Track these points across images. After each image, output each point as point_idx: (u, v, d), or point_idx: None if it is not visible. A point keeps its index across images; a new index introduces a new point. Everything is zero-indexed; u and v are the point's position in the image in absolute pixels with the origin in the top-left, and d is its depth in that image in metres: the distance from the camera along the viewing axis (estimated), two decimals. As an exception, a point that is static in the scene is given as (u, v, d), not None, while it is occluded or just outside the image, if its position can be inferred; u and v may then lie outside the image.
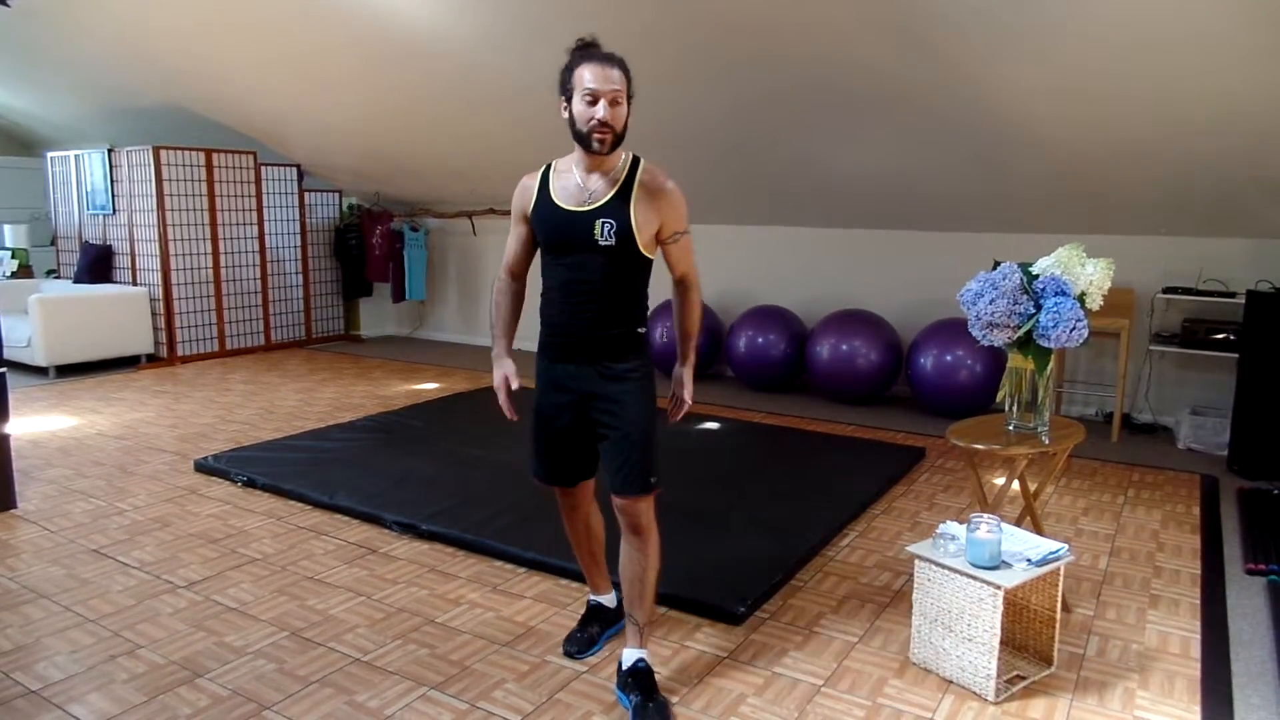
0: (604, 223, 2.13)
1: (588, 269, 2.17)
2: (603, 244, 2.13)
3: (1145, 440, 4.83)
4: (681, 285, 2.35)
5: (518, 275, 2.39)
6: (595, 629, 2.55)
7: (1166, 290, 4.81)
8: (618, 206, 2.13)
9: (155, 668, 2.43)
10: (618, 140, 2.10)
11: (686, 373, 2.41)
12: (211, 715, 2.21)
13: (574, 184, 2.17)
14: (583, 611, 2.64)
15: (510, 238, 2.34)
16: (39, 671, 2.41)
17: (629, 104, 2.11)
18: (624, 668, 2.27)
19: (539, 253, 2.29)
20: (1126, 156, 4.36)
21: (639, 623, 2.28)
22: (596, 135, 2.07)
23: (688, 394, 2.41)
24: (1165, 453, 4.60)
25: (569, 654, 2.49)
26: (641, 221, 2.14)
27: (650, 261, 2.23)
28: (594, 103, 2.05)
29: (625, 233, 2.13)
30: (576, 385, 2.23)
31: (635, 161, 2.20)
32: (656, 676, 2.28)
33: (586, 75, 2.06)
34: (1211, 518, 3.64)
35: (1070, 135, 4.31)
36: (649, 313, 2.32)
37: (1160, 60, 3.66)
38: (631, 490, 2.21)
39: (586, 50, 2.12)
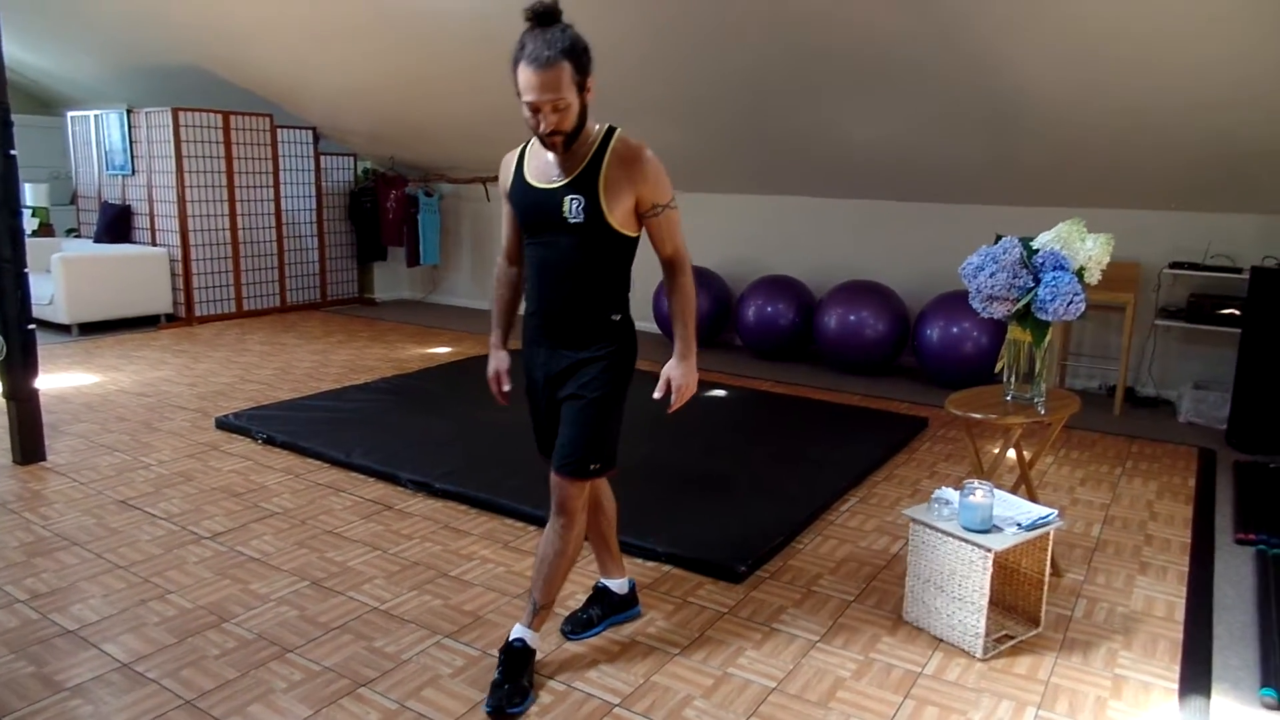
0: (572, 199, 2.03)
1: (559, 249, 2.08)
2: (572, 222, 2.04)
3: (1147, 413, 4.90)
4: (669, 267, 2.18)
5: (514, 259, 2.33)
6: (596, 612, 2.50)
7: (1173, 265, 4.84)
8: (585, 181, 2.03)
9: (184, 612, 2.56)
10: (575, 134, 1.99)
11: (683, 365, 2.18)
12: (238, 657, 2.34)
13: (545, 160, 2.08)
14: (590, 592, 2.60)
15: (503, 218, 2.28)
16: (75, 613, 2.54)
17: (584, 92, 1.96)
18: (508, 639, 2.23)
19: None
20: (1137, 130, 4.37)
21: (536, 603, 2.22)
22: (549, 141, 1.98)
23: (677, 377, 2.18)
24: (1166, 426, 4.66)
25: (564, 633, 2.45)
26: (612, 196, 2.03)
27: (630, 240, 2.12)
28: (536, 112, 1.93)
29: (594, 209, 2.03)
30: (545, 368, 2.19)
31: (609, 133, 2.07)
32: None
33: (523, 81, 1.90)
34: (1206, 489, 3.72)
35: (1080, 108, 4.32)
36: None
37: (1173, 34, 3.66)
38: (566, 470, 2.14)
39: (526, 40, 1.90)
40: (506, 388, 2.38)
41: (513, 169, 2.16)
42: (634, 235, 2.13)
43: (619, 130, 2.08)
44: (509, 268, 2.36)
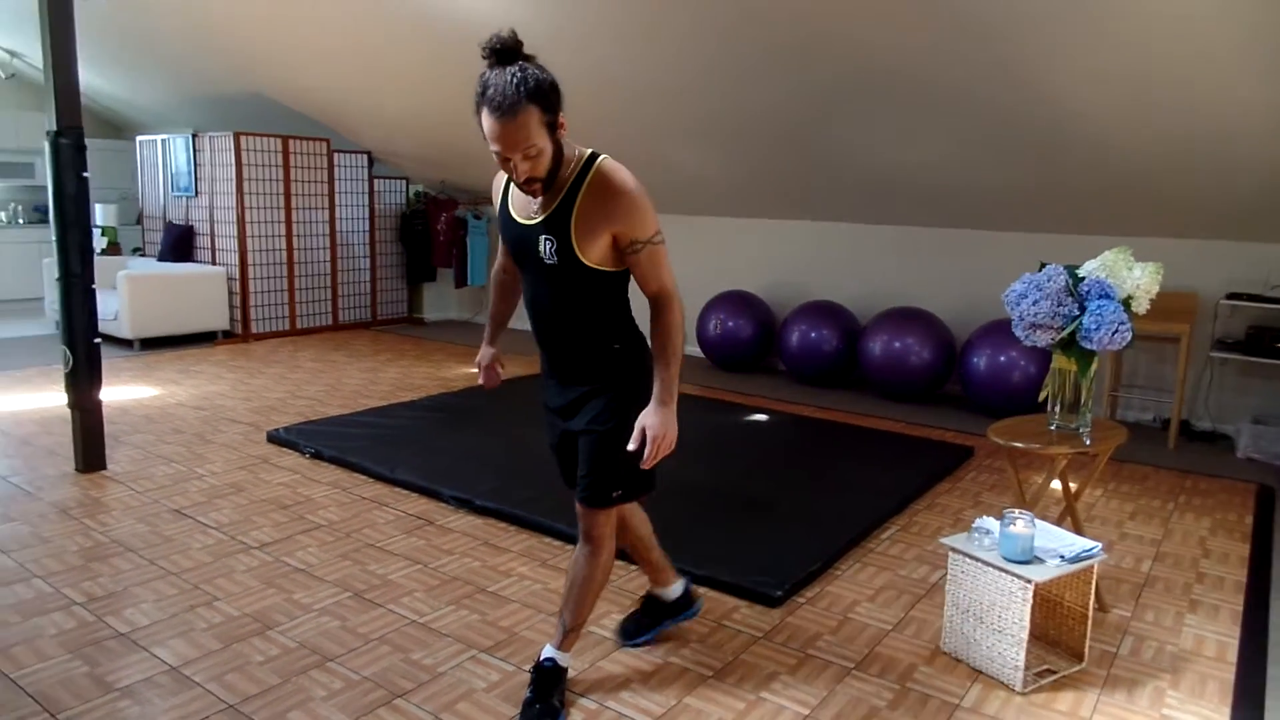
0: (545, 240, 1.94)
1: (543, 287, 2.03)
2: (548, 263, 1.96)
3: (1203, 448, 4.75)
4: (653, 304, 2.01)
5: (508, 269, 2.31)
6: (645, 619, 2.55)
7: (1230, 295, 4.71)
8: (558, 220, 1.92)
9: (230, 619, 2.64)
10: (553, 175, 1.89)
11: (661, 412, 1.96)
12: (280, 664, 2.40)
13: None
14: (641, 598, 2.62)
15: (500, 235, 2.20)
16: (127, 617, 2.63)
17: (557, 130, 1.85)
18: (539, 659, 2.24)
19: None
20: (1191, 159, 4.29)
21: (566, 625, 2.22)
22: (526, 189, 1.89)
23: (654, 426, 1.94)
24: (1223, 461, 4.52)
25: (617, 637, 2.52)
26: (584, 236, 1.91)
27: (614, 275, 2.01)
28: (506, 161, 1.84)
29: (566, 251, 1.92)
30: (558, 399, 2.18)
31: (589, 161, 1.93)
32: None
33: (488, 130, 1.80)
34: (1263, 527, 3.59)
35: (1131, 134, 4.26)
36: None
37: (1225, 62, 3.60)
38: (586, 500, 2.12)
39: (488, 82, 1.79)
40: (482, 380, 2.45)
41: (500, 194, 2.10)
42: (617, 270, 2.00)
43: (601, 159, 1.94)
44: (503, 275, 2.37)
